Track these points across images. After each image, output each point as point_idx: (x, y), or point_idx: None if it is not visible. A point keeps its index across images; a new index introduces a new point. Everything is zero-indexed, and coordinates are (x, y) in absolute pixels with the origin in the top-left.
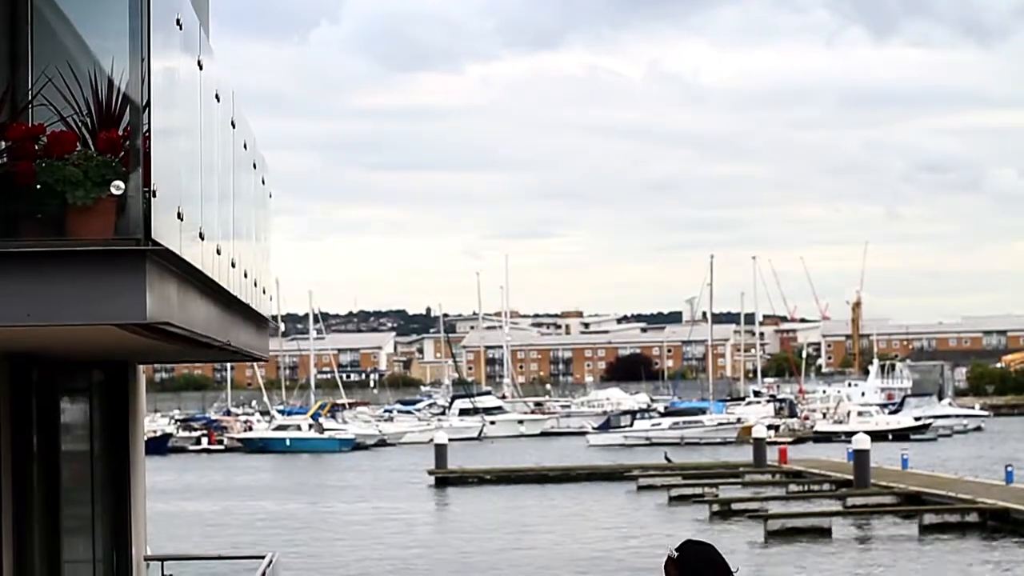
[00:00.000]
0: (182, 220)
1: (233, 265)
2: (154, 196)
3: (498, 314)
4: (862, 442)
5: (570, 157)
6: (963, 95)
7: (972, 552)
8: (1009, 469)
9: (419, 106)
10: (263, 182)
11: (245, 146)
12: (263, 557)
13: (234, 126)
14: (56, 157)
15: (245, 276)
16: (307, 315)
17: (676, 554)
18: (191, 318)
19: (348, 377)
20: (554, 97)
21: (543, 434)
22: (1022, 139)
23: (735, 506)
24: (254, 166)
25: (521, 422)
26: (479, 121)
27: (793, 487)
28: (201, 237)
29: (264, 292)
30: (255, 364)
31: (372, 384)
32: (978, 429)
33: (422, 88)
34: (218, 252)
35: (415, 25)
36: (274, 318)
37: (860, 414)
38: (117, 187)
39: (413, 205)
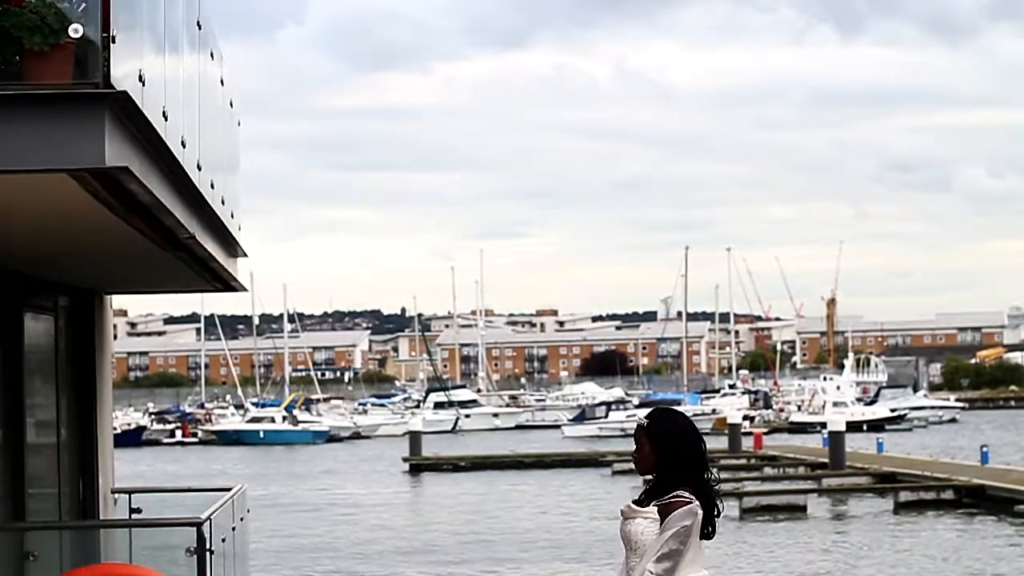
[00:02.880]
0: (143, 84)
1: (199, 168)
2: (113, 42)
3: (473, 313)
4: (837, 424)
5: (540, 157)
6: (931, 94)
7: (948, 527)
8: (984, 450)
9: (388, 106)
10: (231, 105)
11: (212, 56)
12: (229, 489)
13: (200, 27)
14: (14, 4)
15: (212, 187)
16: (281, 315)
17: (646, 421)
18: (152, 180)
19: (323, 375)
20: (523, 97)
21: (518, 427)
22: (991, 138)
23: None
24: (222, 83)
25: (496, 415)
26: (448, 121)
27: (768, 470)
28: (164, 116)
29: (232, 217)
30: (230, 361)
31: (347, 381)
32: (953, 420)
33: (390, 88)
34: (183, 144)
35: (380, 25)
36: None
37: (835, 404)
38: (75, 30)
39: (385, 206)
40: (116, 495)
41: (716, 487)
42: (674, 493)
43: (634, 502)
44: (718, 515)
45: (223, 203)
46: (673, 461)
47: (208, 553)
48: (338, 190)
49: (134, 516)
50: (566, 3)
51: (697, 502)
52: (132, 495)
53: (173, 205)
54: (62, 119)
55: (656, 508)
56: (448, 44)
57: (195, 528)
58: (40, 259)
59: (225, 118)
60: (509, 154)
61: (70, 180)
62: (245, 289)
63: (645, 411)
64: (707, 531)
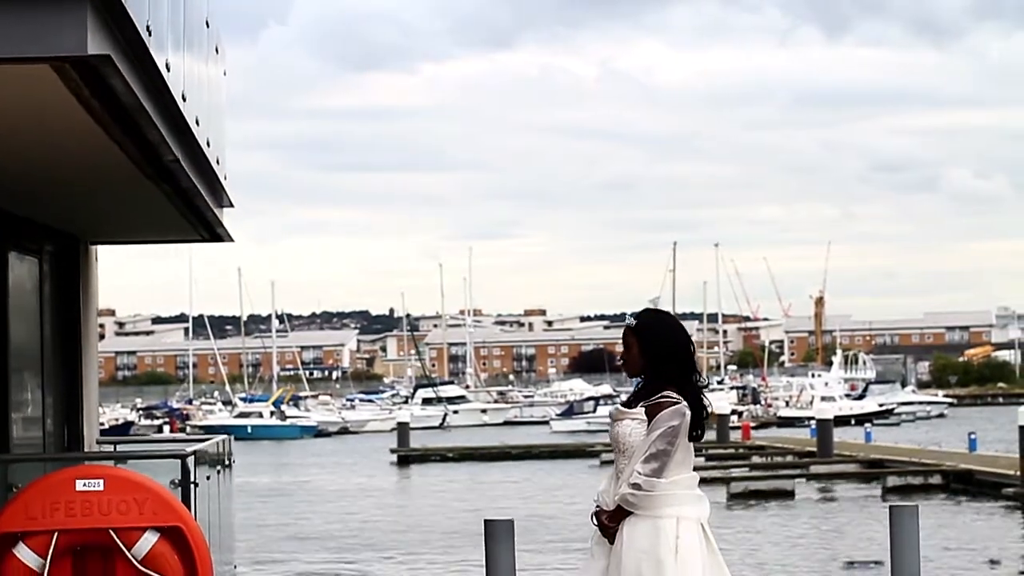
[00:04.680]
0: None
1: (184, 99)
2: None
3: (462, 312)
4: (825, 412)
5: (528, 157)
6: (918, 95)
7: (935, 511)
8: (972, 437)
9: (374, 106)
10: (216, 51)
11: None
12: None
13: None
14: None
15: (197, 124)
16: (269, 316)
17: (634, 321)
18: (135, 81)
19: (311, 374)
20: (510, 97)
21: (506, 423)
22: (977, 139)
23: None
24: (207, 24)
25: (484, 411)
26: (435, 122)
27: (756, 459)
28: (148, 31)
29: (218, 163)
30: (218, 359)
31: (335, 380)
32: (941, 416)
33: (376, 88)
34: (167, 68)
35: (365, 25)
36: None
37: (823, 399)
38: None
39: (373, 206)
40: (101, 445)
41: (704, 388)
42: (661, 394)
43: (623, 404)
44: (706, 417)
45: (208, 145)
46: (660, 362)
47: (192, 485)
48: (325, 190)
49: None
50: (552, 3)
51: (685, 403)
52: (117, 446)
53: (156, 116)
54: (45, 7)
55: (644, 409)
56: (434, 44)
57: (180, 460)
58: (21, 187)
59: (211, 61)
60: (497, 154)
61: (51, 74)
62: (232, 239)
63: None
64: (695, 433)
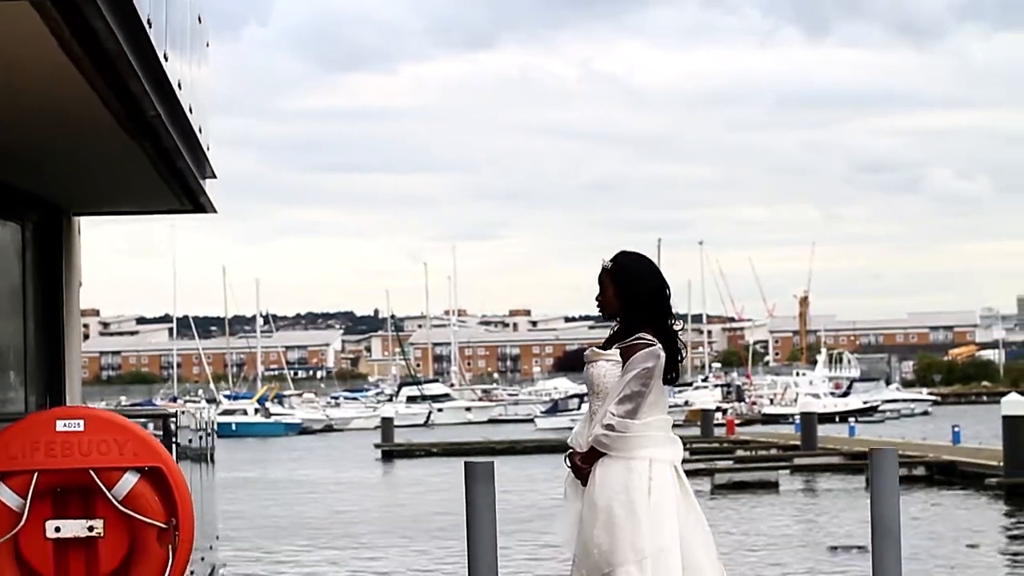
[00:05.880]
0: None
1: (166, 58)
2: None
3: (447, 312)
4: (809, 405)
5: (512, 158)
6: (900, 96)
7: (919, 501)
8: (956, 430)
9: (357, 107)
10: (200, 20)
11: None
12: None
13: None
14: None
15: (180, 87)
16: (254, 317)
17: (610, 263)
18: (117, 25)
19: (296, 374)
20: (492, 97)
21: (491, 421)
22: (959, 140)
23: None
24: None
25: (469, 409)
26: (418, 122)
27: (741, 452)
28: None
29: (201, 132)
30: (203, 359)
31: (320, 379)
32: (925, 413)
33: (358, 89)
34: (149, 24)
35: (346, 26)
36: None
37: (808, 395)
38: None
39: (357, 207)
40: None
41: (680, 332)
42: (636, 335)
43: (598, 347)
44: (681, 360)
45: (191, 111)
46: (636, 304)
47: (174, 445)
48: (309, 192)
49: None
50: (531, 4)
51: (659, 345)
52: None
53: (139, 68)
54: None
55: (619, 351)
56: (415, 45)
57: (163, 419)
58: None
59: (194, 30)
60: (480, 155)
61: (31, 12)
62: (215, 210)
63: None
64: (670, 376)
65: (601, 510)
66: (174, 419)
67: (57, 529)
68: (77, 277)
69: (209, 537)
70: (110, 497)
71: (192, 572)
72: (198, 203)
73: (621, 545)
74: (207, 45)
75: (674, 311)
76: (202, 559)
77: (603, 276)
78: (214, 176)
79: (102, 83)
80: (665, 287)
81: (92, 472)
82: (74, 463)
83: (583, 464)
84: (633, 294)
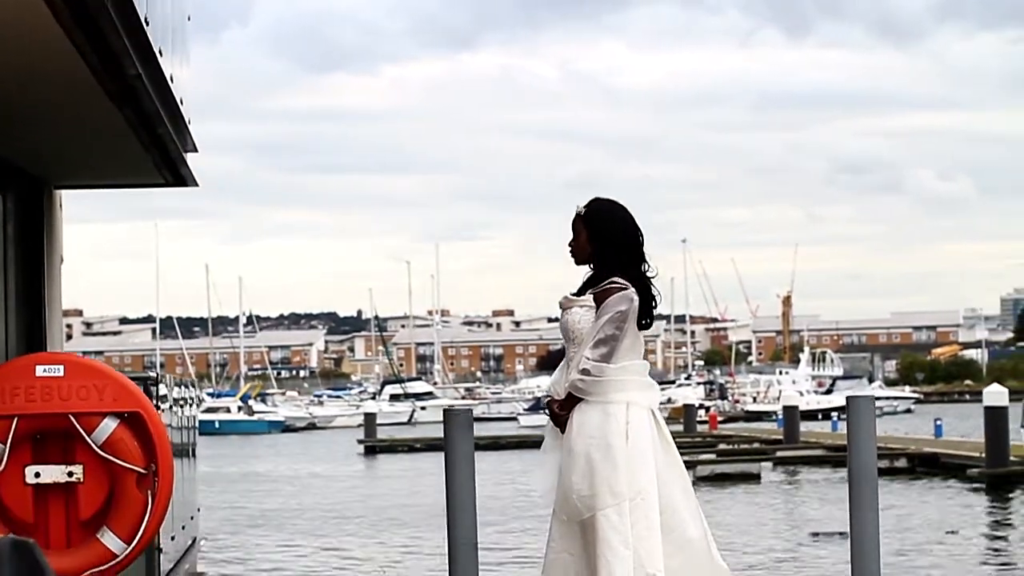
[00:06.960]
0: None
1: (147, 22)
2: None
3: (430, 313)
4: (791, 399)
5: (494, 158)
6: (880, 96)
7: (901, 492)
8: (939, 423)
9: (338, 108)
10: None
11: None
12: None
13: None
14: None
15: (161, 55)
16: (237, 317)
17: (583, 209)
18: None
19: (279, 374)
20: (474, 98)
21: (474, 419)
22: (941, 141)
23: None
24: None
25: (452, 407)
26: (399, 123)
27: (723, 446)
28: None
29: (182, 104)
30: (186, 358)
31: (303, 378)
32: (908, 411)
33: (339, 90)
34: None
35: (327, 26)
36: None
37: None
38: None
39: (338, 208)
40: None
41: (653, 277)
42: (609, 280)
43: (572, 294)
44: (655, 305)
45: (172, 80)
46: (609, 249)
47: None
48: (291, 193)
49: None
50: (514, 5)
51: (632, 289)
52: None
53: (120, 25)
54: None
55: (592, 296)
56: (395, 45)
57: (144, 383)
58: None
59: (175, 6)
60: (462, 156)
61: None
62: (196, 183)
63: None
64: (644, 322)
65: (579, 455)
66: (154, 383)
67: (37, 475)
68: (59, 251)
69: (191, 507)
70: (90, 442)
71: (173, 538)
72: (179, 175)
73: (600, 490)
74: (188, 19)
75: (647, 258)
76: (183, 528)
77: (576, 222)
78: (195, 149)
79: (82, 38)
80: (638, 232)
81: (71, 417)
82: (54, 408)
83: (561, 411)
84: (606, 238)
